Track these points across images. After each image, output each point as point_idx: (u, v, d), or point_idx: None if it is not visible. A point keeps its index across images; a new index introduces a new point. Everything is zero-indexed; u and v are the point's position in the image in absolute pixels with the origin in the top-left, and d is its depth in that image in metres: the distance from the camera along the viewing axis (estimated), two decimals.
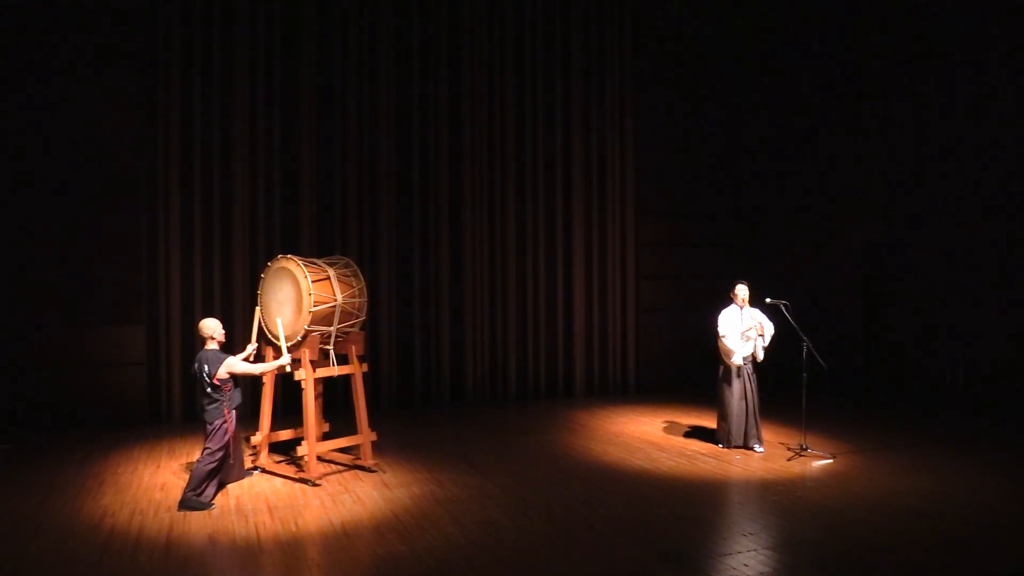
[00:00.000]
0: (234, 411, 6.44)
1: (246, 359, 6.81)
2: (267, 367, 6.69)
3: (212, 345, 6.44)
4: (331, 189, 10.42)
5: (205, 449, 6.31)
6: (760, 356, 8.14)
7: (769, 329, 8.11)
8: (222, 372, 6.28)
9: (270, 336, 7.07)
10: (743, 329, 8.02)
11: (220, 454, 6.35)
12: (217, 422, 6.31)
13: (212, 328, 6.49)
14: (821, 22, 12.26)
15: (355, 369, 7.25)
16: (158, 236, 9.68)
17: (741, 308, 8.11)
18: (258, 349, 7.11)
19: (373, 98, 10.62)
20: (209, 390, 6.28)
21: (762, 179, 12.97)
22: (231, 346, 6.84)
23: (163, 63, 9.68)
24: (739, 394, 8.06)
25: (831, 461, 7.64)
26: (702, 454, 8.04)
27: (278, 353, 6.83)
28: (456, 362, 11.05)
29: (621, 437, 8.87)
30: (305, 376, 6.90)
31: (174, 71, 9.72)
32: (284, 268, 6.99)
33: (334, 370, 7.13)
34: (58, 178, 9.31)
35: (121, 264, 9.55)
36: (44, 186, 9.27)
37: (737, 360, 8.04)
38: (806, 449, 7.90)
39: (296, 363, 6.98)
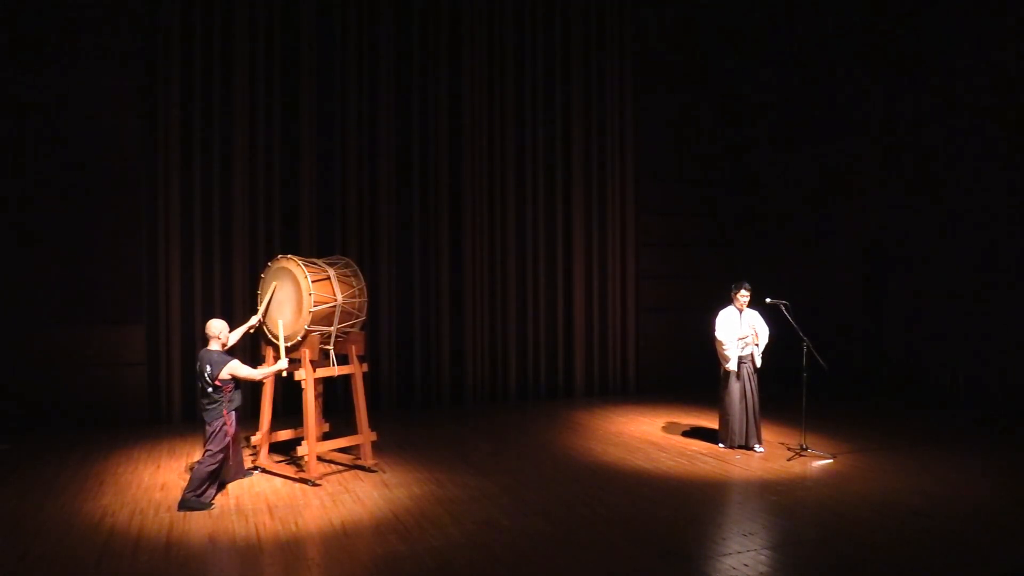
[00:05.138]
0: (234, 412, 6.44)
1: (248, 330, 6.96)
2: (266, 372, 6.71)
3: (215, 345, 6.45)
4: (331, 189, 10.42)
5: (206, 451, 6.31)
6: (759, 362, 8.15)
7: (764, 336, 8.11)
8: (224, 374, 6.28)
9: (271, 336, 7.08)
10: (740, 336, 8.02)
11: (221, 456, 6.35)
12: (216, 423, 6.31)
13: (218, 329, 6.50)
14: (821, 22, 12.25)
15: (355, 369, 7.26)
16: (158, 236, 9.68)
17: (740, 312, 8.11)
18: (253, 337, 7.16)
19: (373, 98, 10.62)
20: (210, 390, 6.29)
21: (762, 179, 12.98)
22: (232, 347, 6.84)
23: (163, 63, 9.68)
24: (739, 394, 8.07)
25: (831, 461, 7.64)
26: (702, 454, 8.04)
27: (278, 354, 6.84)
28: (456, 362, 11.05)
29: (621, 437, 8.87)
30: (305, 376, 6.90)
31: (174, 71, 9.72)
32: (284, 268, 6.99)
33: (334, 370, 7.13)
34: (58, 178, 9.32)
35: (121, 264, 9.55)
36: (44, 186, 9.27)
37: (732, 365, 8.04)
38: (806, 449, 7.90)
39: (296, 363, 6.99)
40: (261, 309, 7.05)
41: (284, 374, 6.77)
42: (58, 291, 9.31)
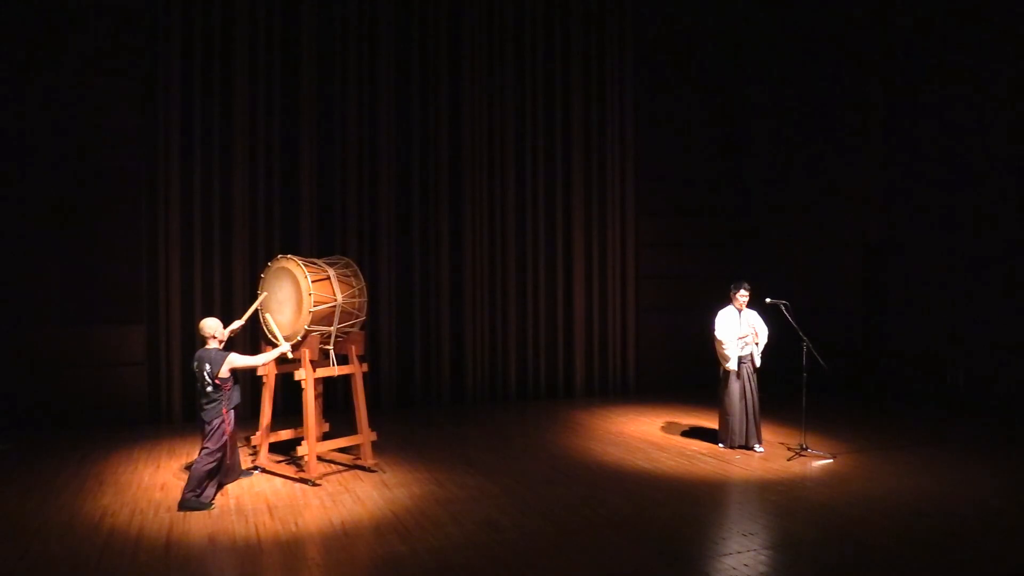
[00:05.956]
0: (232, 411, 6.44)
1: (234, 332, 6.96)
2: (267, 357, 6.72)
3: (212, 344, 6.45)
4: (331, 189, 10.42)
5: (203, 449, 6.32)
6: (758, 362, 8.15)
7: (763, 336, 8.12)
8: (224, 371, 6.28)
9: (268, 334, 7.08)
10: (740, 335, 8.03)
11: (219, 454, 6.35)
12: (216, 421, 6.31)
13: (213, 328, 6.50)
14: (822, 22, 12.25)
15: (355, 369, 7.26)
16: (158, 236, 9.68)
17: (740, 311, 8.12)
18: (253, 336, 7.19)
19: (373, 97, 10.61)
20: (209, 389, 6.29)
21: (762, 179, 12.97)
22: (230, 346, 6.86)
23: (163, 63, 9.68)
24: (739, 394, 8.07)
25: (831, 461, 7.64)
26: (702, 454, 8.04)
27: (278, 343, 6.86)
28: (456, 362, 11.04)
29: (621, 437, 8.87)
30: (305, 376, 6.90)
31: (174, 71, 9.72)
32: (284, 268, 6.99)
33: (334, 370, 7.13)
34: (58, 178, 9.32)
35: (121, 264, 9.55)
36: (44, 186, 9.27)
37: (732, 365, 8.05)
38: (806, 449, 7.90)
39: (296, 363, 6.99)
40: (245, 316, 7.12)
41: (290, 355, 6.79)
42: (58, 291, 9.31)
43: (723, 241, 12.72)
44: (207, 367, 6.27)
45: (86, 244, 9.41)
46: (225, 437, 6.38)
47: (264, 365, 6.86)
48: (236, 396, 6.50)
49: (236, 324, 7.10)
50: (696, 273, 12.46)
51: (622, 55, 12.05)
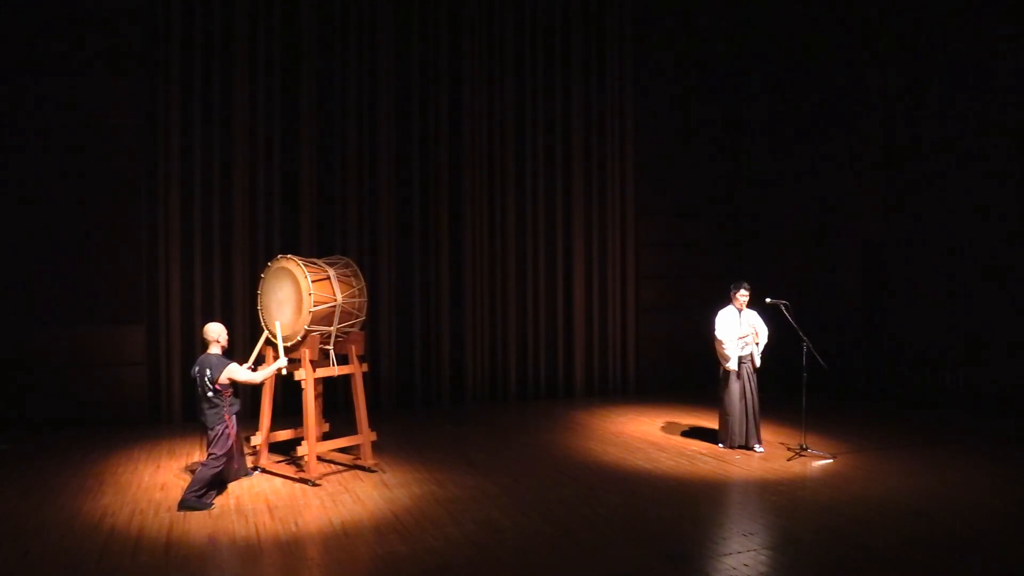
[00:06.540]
0: (234, 415, 6.44)
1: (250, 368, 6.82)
2: (265, 373, 6.70)
3: (215, 349, 6.44)
4: (331, 189, 10.42)
5: (210, 455, 6.31)
6: (758, 363, 8.15)
7: (763, 336, 8.12)
8: (223, 378, 6.28)
9: (270, 336, 7.07)
10: (740, 335, 8.03)
11: (224, 458, 6.36)
12: (219, 427, 6.31)
13: (216, 333, 6.50)
14: (821, 23, 12.25)
15: (355, 369, 7.26)
16: (158, 236, 9.69)
17: (740, 311, 8.12)
18: (259, 351, 7.13)
19: (373, 98, 10.62)
20: (210, 395, 6.28)
21: (762, 179, 12.97)
22: (231, 347, 6.86)
23: (163, 63, 9.69)
24: (739, 394, 8.06)
25: (831, 461, 7.64)
26: (702, 454, 8.04)
27: (277, 355, 6.83)
28: (456, 362, 11.04)
29: (621, 437, 8.87)
30: (305, 376, 6.90)
31: (174, 71, 9.73)
32: (284, 268, 6.99)
33: (334, 370, 7.13)
34: (58, 178, 9.33)
35: (121, 264, 9.56)
36: (44, 186, 9.28)
37: (732, 365, 8.04)
38: (806, 449, 7.90)
39: (296, 363, 6.99)
40: (281, 350, 6.82)
41: (284, 372, 6.76)
42: (58, 291, 9.31)
43: (723, 241, 12.73)
44: (208, 372, 6.27)
45: (86, 244, 9.41)
46: (231, 441, 6.38)
47: (263, 379, 6.79)
48: (237, 402, 6.50)
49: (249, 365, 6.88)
50: (696, 273, 12.47)
51: (622, 55, 12.05)
